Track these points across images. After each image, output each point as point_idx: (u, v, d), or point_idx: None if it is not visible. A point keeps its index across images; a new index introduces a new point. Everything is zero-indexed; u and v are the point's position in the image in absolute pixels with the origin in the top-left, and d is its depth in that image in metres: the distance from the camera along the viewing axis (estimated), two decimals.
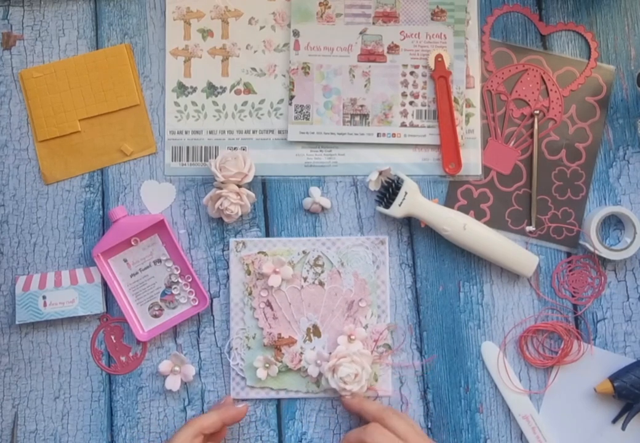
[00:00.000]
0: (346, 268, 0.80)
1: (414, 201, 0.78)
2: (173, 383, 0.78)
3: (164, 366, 0.78)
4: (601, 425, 0.78)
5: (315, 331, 0.79)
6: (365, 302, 0.79)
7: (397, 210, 0.78)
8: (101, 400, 0.80)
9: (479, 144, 0.81)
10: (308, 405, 0.79)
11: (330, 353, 0.77)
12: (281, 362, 0.78)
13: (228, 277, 0.80)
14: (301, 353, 0.78)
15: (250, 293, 0.79)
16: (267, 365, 0.78)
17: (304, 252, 0.80)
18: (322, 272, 0.80)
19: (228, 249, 0.81)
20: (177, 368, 0.79)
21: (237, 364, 0.79)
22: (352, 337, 0.77)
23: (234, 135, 0.82)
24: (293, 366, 0.78)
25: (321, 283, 0.79)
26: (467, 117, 0.81)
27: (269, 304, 0.79)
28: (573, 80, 0.82)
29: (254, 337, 0.79)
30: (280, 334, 0.79)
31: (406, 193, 0.78)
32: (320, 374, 0.77)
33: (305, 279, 0.79)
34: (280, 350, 0.78)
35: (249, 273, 0.79)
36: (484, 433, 0.79)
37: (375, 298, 0.79)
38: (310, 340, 0.79)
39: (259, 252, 0.80)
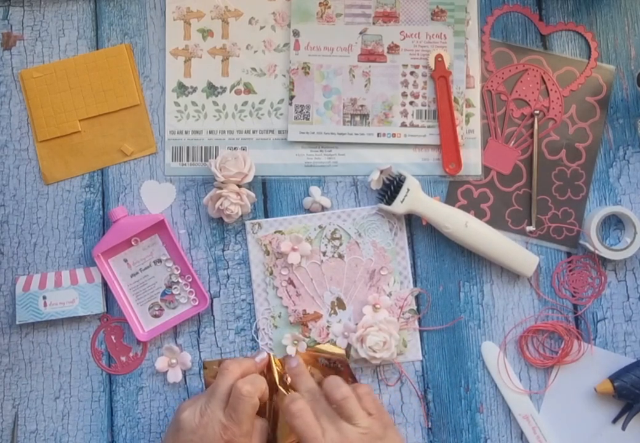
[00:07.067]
0: (364, 238, 0.80)
1: (416, 198, 0.78)
2: (175, 376, 0.78)
3: (160, 362, 0.78)
4: (601, 425, 0.78)
5: (339, 304, 0.79)
6: (387, 269, 0.79)
7: (399, 206, 0.78)
8: (101, 400, 0.80)
9: (479, 144, 0.81)
10: None
11: (356, 324, 0.77)
12: (309, 337, 0.79)
13: (228, 277, 0.80)
14: (328, 327, 0.79)
15: (271, 273, 0.80)
16: (295, 341, 0.78)
17: (320, 226, 0.80)
18: (341, 244, 0.80)
19: (228, 249, 0.81)
20: (173, 361, 0.79)
21: (266, 344, 0.79)
22: (377, 306, 0.78)
23: (234, 135, 0.82)
24: (321, 340, 0.79)
25: (340, 256, 0.80)
26: (467, 117, 0.81)
27: (290, 282, 0.79)
28: (573, 80, 0.82)
29: (279, 316, 0.79)
30: (305, 310, 0.79)
31: (408, 190, 0.78)
32: (349, 346, 0.77)
33: (324, 253, 0.80)
34: (307, 326, 0.79)
35: (268, 254, 0.80)
36: (484, 433, 0.79)
37: (396, 265, 0.79)
38: (336, 313, 0.79)
39: (275, 232, 0.80)
